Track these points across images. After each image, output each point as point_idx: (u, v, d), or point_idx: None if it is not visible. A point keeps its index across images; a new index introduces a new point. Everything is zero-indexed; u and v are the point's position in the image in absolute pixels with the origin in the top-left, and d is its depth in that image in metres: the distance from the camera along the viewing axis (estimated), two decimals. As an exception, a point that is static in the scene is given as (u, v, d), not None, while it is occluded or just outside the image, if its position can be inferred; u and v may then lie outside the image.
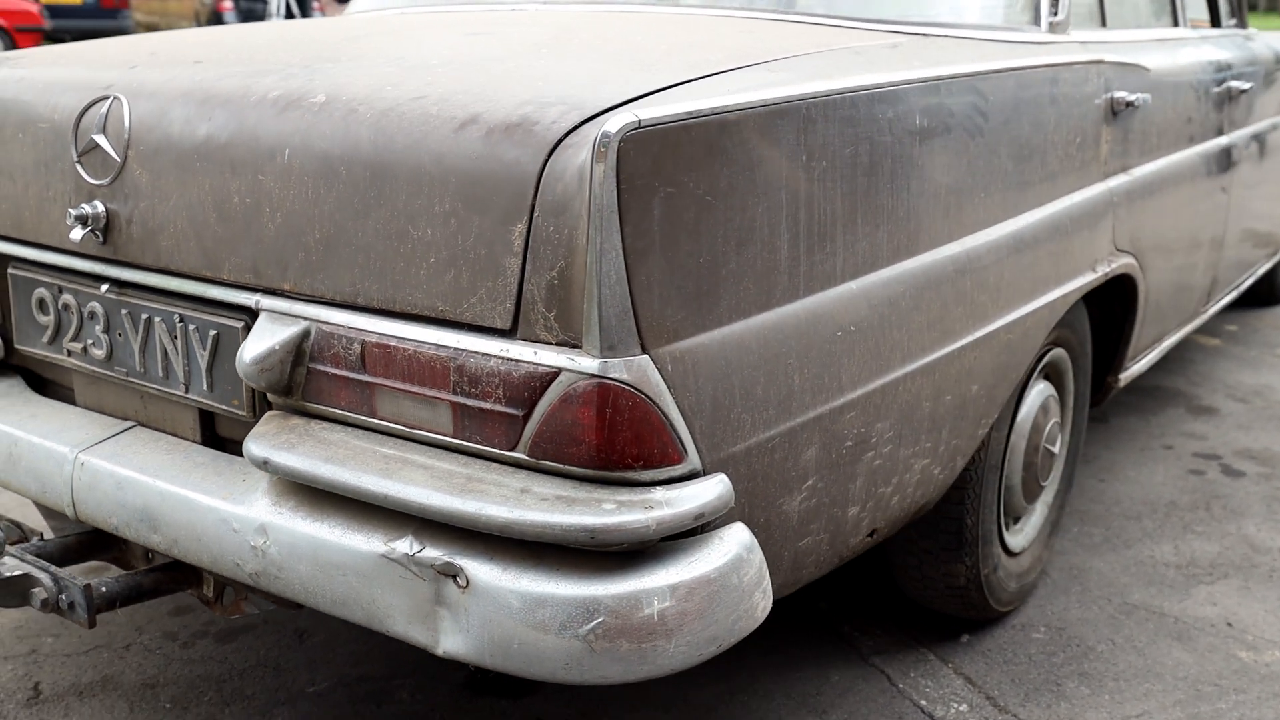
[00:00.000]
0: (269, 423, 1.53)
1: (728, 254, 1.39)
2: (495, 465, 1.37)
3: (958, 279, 1.81)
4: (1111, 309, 2.65)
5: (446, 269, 1.37)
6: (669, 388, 1.31)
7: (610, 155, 1.22)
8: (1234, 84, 3.18)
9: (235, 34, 2.06)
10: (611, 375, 1.27)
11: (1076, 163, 2.24)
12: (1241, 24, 3.89)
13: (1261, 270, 4.06)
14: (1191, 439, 3.41)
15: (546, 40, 1.76)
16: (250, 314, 1.57)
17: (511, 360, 1.33)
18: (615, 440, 1.28)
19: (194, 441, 1.71)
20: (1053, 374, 2.49)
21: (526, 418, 1.32)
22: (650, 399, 1.29)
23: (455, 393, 1.37)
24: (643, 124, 1.23)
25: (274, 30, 2.11)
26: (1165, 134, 2.69)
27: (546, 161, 1.29)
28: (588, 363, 1.28)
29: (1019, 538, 2.43)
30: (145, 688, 2.17)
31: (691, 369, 1.35)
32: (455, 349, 1.36)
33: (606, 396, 1.27)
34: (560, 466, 1.33)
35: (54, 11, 14.10)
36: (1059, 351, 2.42)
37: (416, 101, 1.43)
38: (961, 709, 2.14)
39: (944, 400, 1.82)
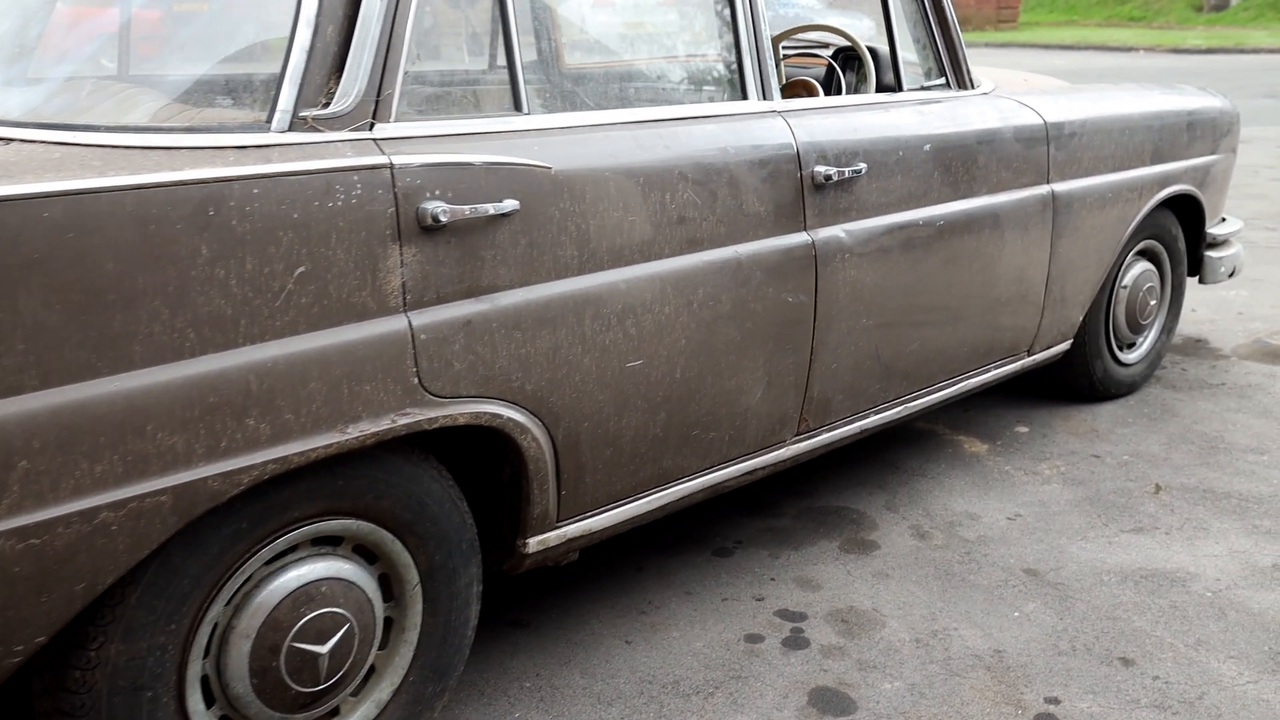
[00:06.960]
0: None
1: None
2: None
3: None
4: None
5: None
6: None
7: None
8: (822, 170, 2.60)
9: None
10: None
11: (302, 298, 1.76)
12: (957, 82, 3.23)
13: (995, 374, 3.40)
14: (798, 588, 2.83)
15: None
16: None
17: None
18: None
19: None
20: (373, 551, 2.01)
21: None
22: None
23: None
24: None
25: None
26: (601, 240, 2.17)
27: None
28: None
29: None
30: None
31: None
32: None
33: None
34: None
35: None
36: (360, 525, 1.95)
37: None
38: None
39: None
